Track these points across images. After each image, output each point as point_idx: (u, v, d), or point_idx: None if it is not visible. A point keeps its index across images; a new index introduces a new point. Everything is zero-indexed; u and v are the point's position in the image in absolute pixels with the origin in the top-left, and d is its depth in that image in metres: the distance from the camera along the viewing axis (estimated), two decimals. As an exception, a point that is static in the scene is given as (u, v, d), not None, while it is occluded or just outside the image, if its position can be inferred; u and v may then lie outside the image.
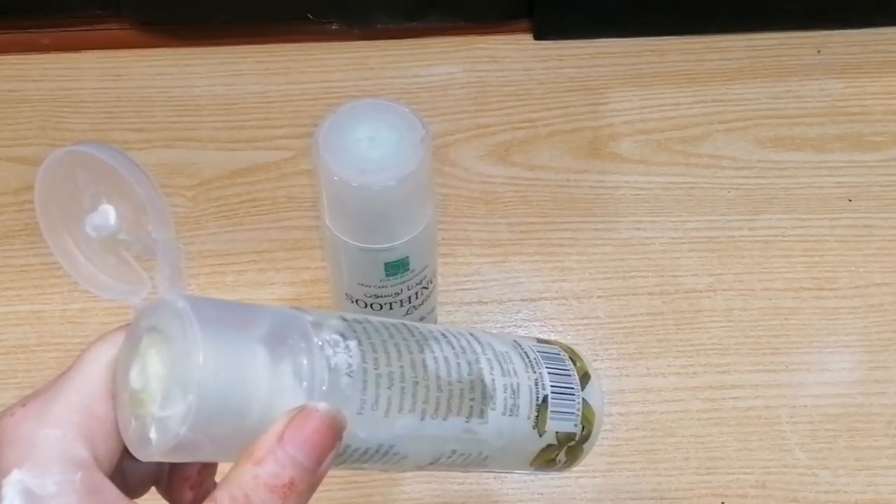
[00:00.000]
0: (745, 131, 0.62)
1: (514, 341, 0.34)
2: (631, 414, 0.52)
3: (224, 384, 0.26)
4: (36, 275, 0.56)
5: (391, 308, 0.46)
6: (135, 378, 0.27)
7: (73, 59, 0.65)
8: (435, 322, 0.51)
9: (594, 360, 0.54)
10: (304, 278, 0.56)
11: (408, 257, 0.43)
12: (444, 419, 0.30)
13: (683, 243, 0.58)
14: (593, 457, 0.51)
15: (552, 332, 0.55)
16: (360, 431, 0.28)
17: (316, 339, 0.28)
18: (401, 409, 0.29)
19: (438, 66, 0.65)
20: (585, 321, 0.55)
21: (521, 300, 0.56)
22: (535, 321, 0.55)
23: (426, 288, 0.46)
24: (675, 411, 0.52)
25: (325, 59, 0.65)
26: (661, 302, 0.56)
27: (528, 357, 0.33)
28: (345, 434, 0.27)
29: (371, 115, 0.41)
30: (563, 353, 0.35)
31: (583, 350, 0.35)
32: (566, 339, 0.54)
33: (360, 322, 0.29)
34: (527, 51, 0.66)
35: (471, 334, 0.32)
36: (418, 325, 0.31)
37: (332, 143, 0.40)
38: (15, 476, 0.26)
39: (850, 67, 0.65)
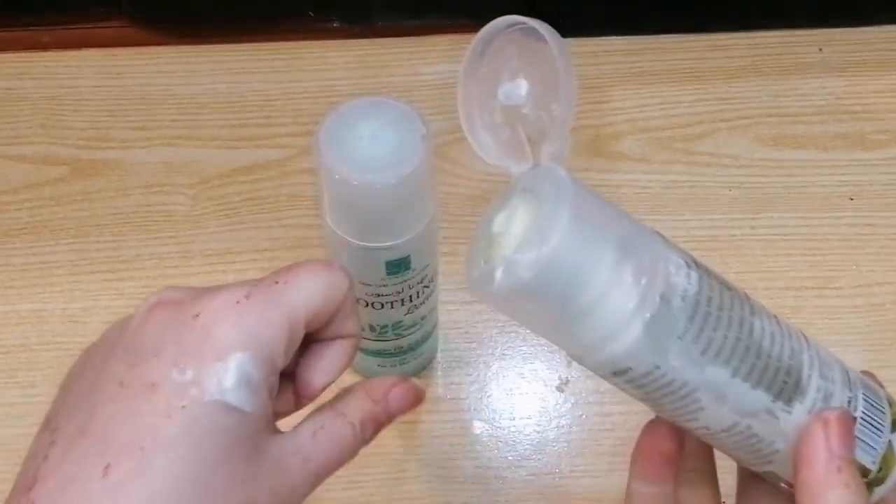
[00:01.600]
0: (746, 129, 0.62)
1: (839, 359, 0.34)
2: (632, 413, 0.52)
3: (575, 254, 0.28)
4: (37, 273, 0.56)
5: (392, 307, 0.46)
6: (498, 224, 0.29)
7: (73, 57, 0.65)
8: (436, 320, 0.51)
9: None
10: (305, 277, 0.56)
11: (409, 256, 0.43)
12: (752, 387, 0.30)
13: (685, 242, 0.57)
14: (595, 457, 0.51)
15: (553, 330, 0.55)
16: (673, 359, 0.29)
17: (664, 256, 0.30)
18: (717, 355, 0.29)
19: (440, 64, 0.65)
20: (587, 320, 0.55)
21: (523, 299, 0.56)
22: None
23: (427, 287, 0.46)
24: (677, 410, 0.52)
25: (327, 56, 0.65)
26: (663, 301, 0.55)
27: (848, 376, 0.33)
28: (659, 355, 0.29)
29: (372, 113, 0.41)
30: (882, 390, 0.34)
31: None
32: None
33: (705, 267, 0.31)
34: (528, 49, 0.65)
35: (801, 332, 0.34)
36: (754, 299, 0.32)
37: (333, 141, 0.40)
38: (241, 357, 0.29)
39: (853, 65, 0.65)
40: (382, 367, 0.51)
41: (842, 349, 0.54)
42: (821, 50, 0.65)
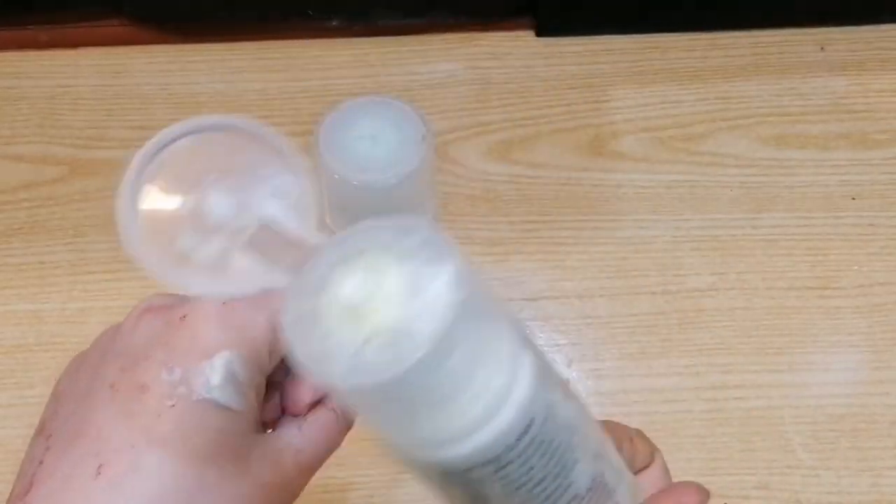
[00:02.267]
0: (748, 129, 0.62)
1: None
2: (633, 414, 0.52)
3: (477, 330, 0.23)
4: (34, 274, 0.56)
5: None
6: (354, 292, 0.24)
7: (71, 55, 0.65)
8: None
9: (596, 360, 0.54)
10: (304, 277, 0.56)
11: (409, 256, 0.43)
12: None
13: (686, 242, 0.57)
14: (595, 457, 0.51)
15: (554, 331, 0.54)
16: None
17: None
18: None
19: (440, 63, 0.65)
20: (587, 320, 0.55)
21: (523, 299, 0.55)
22: (537, 320, 0.55)
23: (427, 287, 0.46)
24: (678, 411, 0.52)
25: (326, 56, 0.65)
26: (664, 301, 0.55)
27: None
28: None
29: (372, 112, 0.40)
30: None
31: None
32: (567, 339, 0.54)
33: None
34: (529, 48, 0.65)
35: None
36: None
37: (332, 141, 0.40)
38: (227, 355, 0.29)
39: (854, 65, 0.64)
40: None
41: (843, 349, 0.54)
42: (822, 49, 0.65)
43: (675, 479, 0.50)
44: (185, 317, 0.30)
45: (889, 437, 0.51)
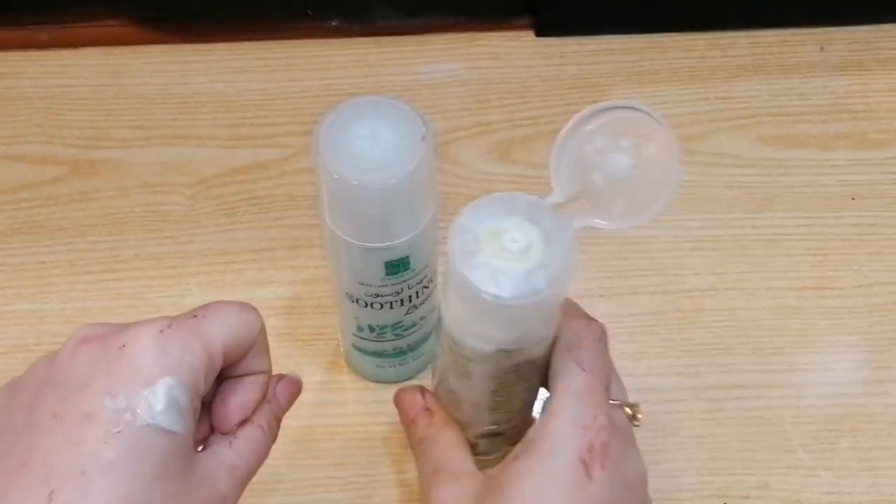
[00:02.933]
0: (747, 129, 0.62)
1: None
2: (633, 414, 0.52)
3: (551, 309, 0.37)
4: (34, 274, 0.56)
5: (391, 307, 0.45)
6: (515, 238, 0.35)
7: (71, 55, 0.65)
8: (436, 320, 0.51)
9: (596, 360, 0.54)
10: (304, 277, 0.56)
11: (408, 256, 0.43)
12: None
13: (686, 242, 0.57)
14: (595, 457, 0.51)
15: (554, 331, 0.54)
16: None
17: None
18: None
19: (439, 63, 0.65)
20: (587, 320, 0.55)
21: (523, 299, 0.55)
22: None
23: (427, 287, 0.46)
24: (678, 411, 0.52)
25: (326, 56, 0.65)
26: (664, 301, 0.55)
27: None
28: None
29: (371, 112, 0.40)
30: None
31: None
32: (568, 339, 0.54)
33: None
34: (528, 48, 0.65)
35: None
36: None
37: (332, 140, 0.40)
38: (168, 381, 0.31)
39: (854, 65, 0.64)
40: (382, 367, 0.51)
41: (843, 350, 0.54)
42: (822, 49, 0.65)
43: (676, 481, 0.50)
44: (124, 346, 0.32)
45: (889, 437, 0.51)
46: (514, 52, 0.65)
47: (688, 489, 0.50)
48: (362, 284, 0.44)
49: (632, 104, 0.36)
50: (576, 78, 0.64)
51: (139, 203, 0.59)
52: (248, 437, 0.35)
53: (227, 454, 0.35)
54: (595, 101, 0.62)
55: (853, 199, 0.59)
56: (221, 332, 0.34)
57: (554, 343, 0.40)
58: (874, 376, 0.53)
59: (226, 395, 0.36)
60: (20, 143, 0.61)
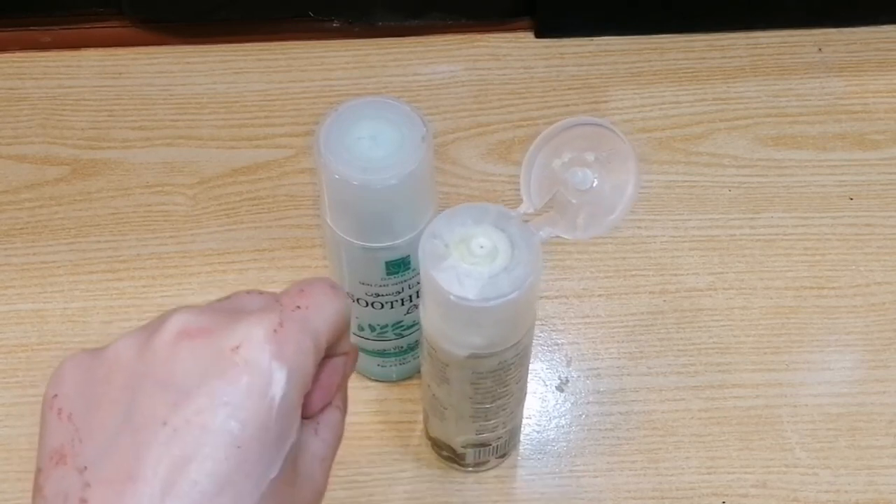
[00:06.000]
0: (746, 129, 0.62)
1: None
2: (632, 413, 0.52)
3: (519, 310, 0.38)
4: (37, 273, 0.56)
5: (392, 307, 0.46)
6: (481, 243, 0.36)
7: (73, 56, 0.65)
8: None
9: (595, 360, 0.54)
10: (305, 276, 0.56)
11: (409, 256, 0.43)
12: None
13: (684, 242, 0.58)
14: (594, 456, 0.51)
15: (553, 330, 0.55)
16: None
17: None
18: None
19: (439, 64, 0.65)
20: (586, 320, 0.55)
21: (522, 299, 0.56)
22: (536, 320, 0.55)
23: (427, 287, 0.46)
24: (676, 410, 0.52)
25: (327, 56, 0.65)
26: (662, 301, 0.56)
27: None
28: None
29: (372, 113, 0.41)
30: None
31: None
32: (567, 338, 0.54)
33: None
34: (528, 49, 0.65)
35: None
36: None
37: (333, 141, 0.40)
38: (286, 388, 0.29)
39: (852, 65, 0.65)
40: (382, 366, 0.51)
41: (841, 349, 0.54)
42: (820, 50, 0.65)
43: (674, 480, 0.51)
44: (237, 348, 0.29)
45: (887, 436, 0.51)
46: (513, 53, 0.65)
47: (687, 488, 0.50)
48: (363, 284, 0.45)
49: (597, 121, 0.37)
50: (575, 79, 0.64)
51: (141, 203, 0.59)
52: (330, 423, 0.33)
53: (316, 446, 0.32)
54: (594, 102, 0.63)
55: (851, 199, 0.59)
56: (326, 324, 0.32)
57: (529, 350, 0.41)
58: (872, 375, 0.53)
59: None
60: (22, 144, 0.61)
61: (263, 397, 0.29)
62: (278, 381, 0.29)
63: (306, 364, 0.30)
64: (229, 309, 0.31)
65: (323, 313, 0.32)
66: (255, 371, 0.29)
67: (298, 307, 0.31)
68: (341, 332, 0.33)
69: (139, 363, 0.29)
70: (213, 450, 0.28)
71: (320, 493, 0.32)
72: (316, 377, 0.33)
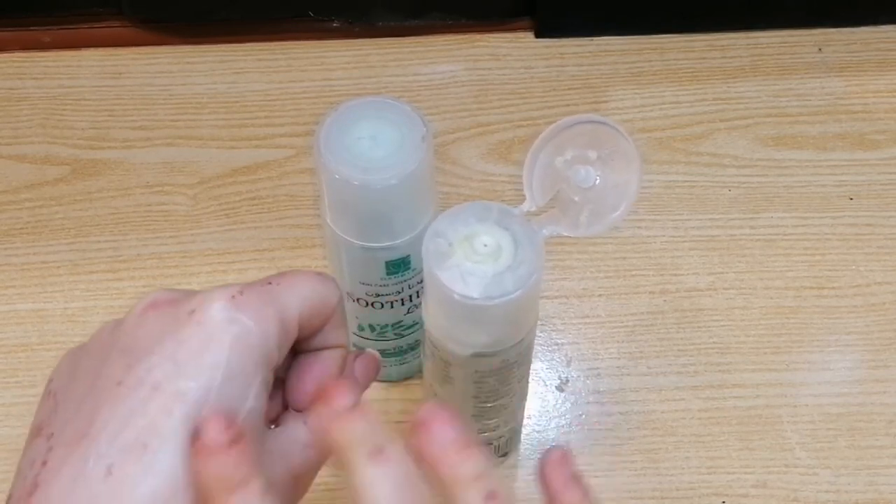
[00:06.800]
0: (746, 130, 0.62)
1: None
2: (632, 413, 0.52)
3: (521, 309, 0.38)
4: (37, 273, 0.56)
5: (392, 307, 0.46)
6: (485, 242, 0.36)
7: (73, 56, 0.65)
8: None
9: (595, 359, 0.54)
10: (304, 277, 0.56)
11: (409, 256, 0.43)
12: None
13: (684, 242, 0.58)
14: (594, 456, 0.51)
15: (553, 330, 0.55)
16: None
17: None
18: None
19: (440, 64, 0.65)
20: (586, 320, 0.55)
21: (522, 299, 0.56)
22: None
23: (427, 287, 0.46)
24: (676, 410, 0.52)
25: (327, 56, 0.65)
26: (662, 301, 0.56)
27: None
28: None
29: (372, 113, 0.41)
30: None
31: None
32: (567, 338, 0.54)
33: None
34: (528, 49, 0.65)
35: None
36: None
37: (333, 141, 0.40)
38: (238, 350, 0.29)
39: (852, 65, 0.65)
40: (382, 366, 0.51)
41: (841, 349, 0.54)
42: (820, 50, 0.65)
43: (674, 480, 0.51)
44: (193, 311, 0.30)
45: (886, 436, 0.52)
46: (513, 53, 0.65)
47: (687, 488, 0.50)
48: (363, 284, 0.45)
49: (600, 118, 0.37)
50: (575, 79, 0.64)
51: (141, 203, 0.59)
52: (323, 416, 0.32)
53: (300, 433, 0.32)
54: (594, 102, 0.63)
55: (851, 199, 0.59)
56: (297, 301, 0.31)
57: (531, 348, 0.41)
58: (872, 375, 0.53)
59: (301, 369, 0.34)
60: (22, 144, 0.61)
61: (214, 356, 0.29)
62: (227, 342, 0.29)
63: (265, 331, 0.30)
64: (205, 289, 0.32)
65: (295, 291, 0.32)
66: (205, 331, 0.29)
67: (269, 283, 0.31)
68: (323, 317, 0.33)
69: (111, 336, 0.31)
70: (156, 405, 0.28)
71: (296, 479, 0.32)
72: (303, 369, 0.33)
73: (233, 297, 0.30)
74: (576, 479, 0.30)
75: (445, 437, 0.28)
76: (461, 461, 0.28)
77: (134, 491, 0.28)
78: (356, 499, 0.27)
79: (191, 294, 0.31)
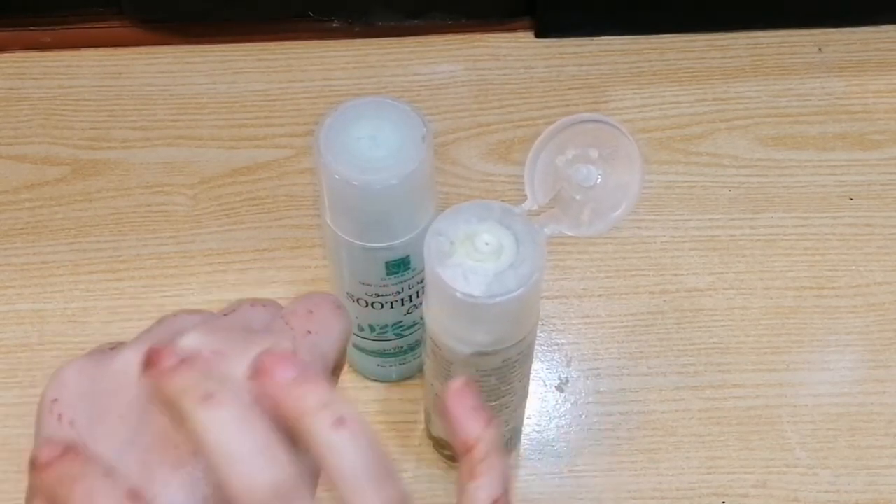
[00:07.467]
0: (746, 130, 0.62)
1: None
2: (632, 413, 0.52)
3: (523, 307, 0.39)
4: (37, 273, 0.56)
5: (392, 307, 0.46)
6: (486, 241, 0.37)
7: (74, 56, 0.65)
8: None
9: (595, 360, 0.54)
10: (305, 277, 0.56)
11: (409, 256, 0.43)
12: None
13: (684, 242, 0.58)
14: (594, 456, 0.51)
15: (553, 330, 0.55)
16: None
17: None
18: None
19: (439, 64, 0.65)
20: (586, 320, 0.55)
21: (522, 299, 0.56)
22: (536, 320, 0.55)
23: (427, 287, 0.46)
24: (676, 410, 0.52)
25: (327, 57, 0.65)
26: (662, 301, 0.56)
27: None
28: None
29: (372, 113, 0.41)
30: None
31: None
32: (567, 338, 0.54)
33: None
34: (528, 49, 0.65)
35: None
36: None
37: (333, 141, 0.40)
38: None
39: (852, 65, 0.65)
40: (382, 366, 0.51)
41: (841, 349, 0.54)
42: (820, 50, 0.65)
43: (674, 480, 0.51)
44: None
45: (886, 436, 0.52)
46: (513, 53, 0.65)
47: (687, 488, 0.50)
48: (363, 284, 0.45)
49: (601, 117, 0.37)
50: (575, 79, 0.64)
51: (141, 203, 0.59)
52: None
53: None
54: (594, 102, 0.63)
55: (851, 199, 0.59)
56: (334, 347, 0.31)
57: (532, 347, 0.41)
58: (872, 375, 0.53)
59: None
60: (22, 144, 0.61)
61: None
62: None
63: (326, 355, 0.30)
64: (238, 327, 0.31)
65: (331, 337, 0.31)
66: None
67: (309, 332, 0.31)
68: (344, 351, 0.33)
69: (139, 384, 0.29)
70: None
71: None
72: None
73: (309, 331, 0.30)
74: (476, 408, 0.30)
75: (285, 375, 0.27)
76: (304, 394, 0.27)
77: None
78: (196, 447, 0.26)
79: (240, 345, 0.29)
